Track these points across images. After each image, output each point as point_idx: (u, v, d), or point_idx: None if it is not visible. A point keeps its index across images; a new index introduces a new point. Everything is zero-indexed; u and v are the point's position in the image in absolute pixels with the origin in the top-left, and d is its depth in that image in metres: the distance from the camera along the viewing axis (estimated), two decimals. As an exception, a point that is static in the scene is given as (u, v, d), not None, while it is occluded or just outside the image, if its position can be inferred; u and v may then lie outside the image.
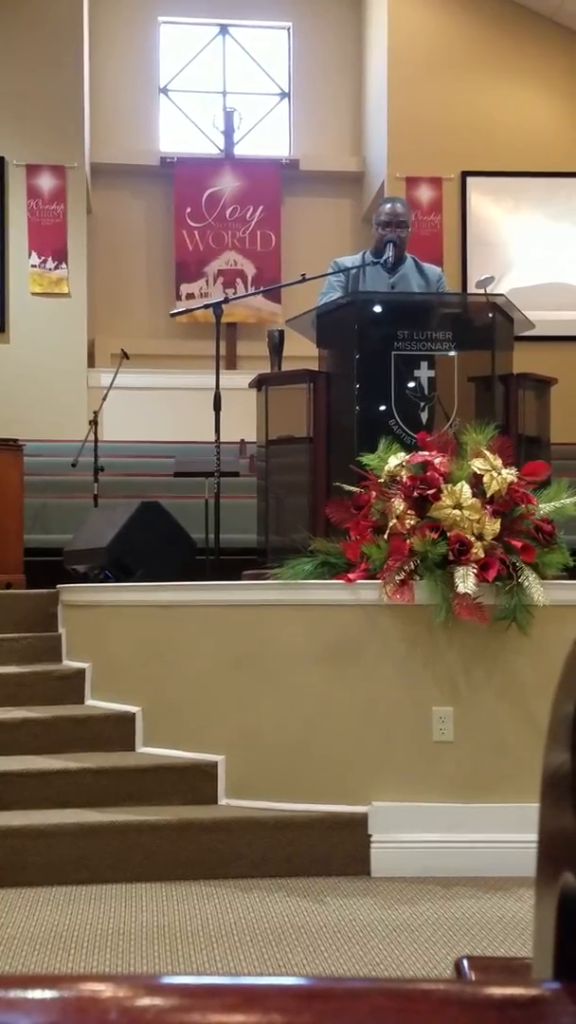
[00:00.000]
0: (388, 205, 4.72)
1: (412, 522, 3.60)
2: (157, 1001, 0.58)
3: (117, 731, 4.07)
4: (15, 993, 0.58)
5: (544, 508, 3.73)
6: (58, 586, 4.83)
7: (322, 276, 4.71)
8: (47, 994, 0.58)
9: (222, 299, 4.94)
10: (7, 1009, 0.56)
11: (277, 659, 3.77)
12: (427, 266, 4.79)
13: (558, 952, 0.69)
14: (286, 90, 10.97)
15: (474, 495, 3.61)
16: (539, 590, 3.53)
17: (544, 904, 0.73)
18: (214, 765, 3.81)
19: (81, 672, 4.39)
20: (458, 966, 0.85)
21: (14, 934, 3.02)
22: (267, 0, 10.69)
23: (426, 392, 4.23)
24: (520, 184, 10.04)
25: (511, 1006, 0.60)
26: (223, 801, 3.79)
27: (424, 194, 9.97)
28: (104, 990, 0.58)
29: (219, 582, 4.11)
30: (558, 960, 0.69)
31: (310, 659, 3.72)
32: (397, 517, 3.61)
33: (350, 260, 4.74)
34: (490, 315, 4.37)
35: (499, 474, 3.66)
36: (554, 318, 9.44)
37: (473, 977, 0.82)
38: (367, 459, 3.80)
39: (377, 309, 4.39)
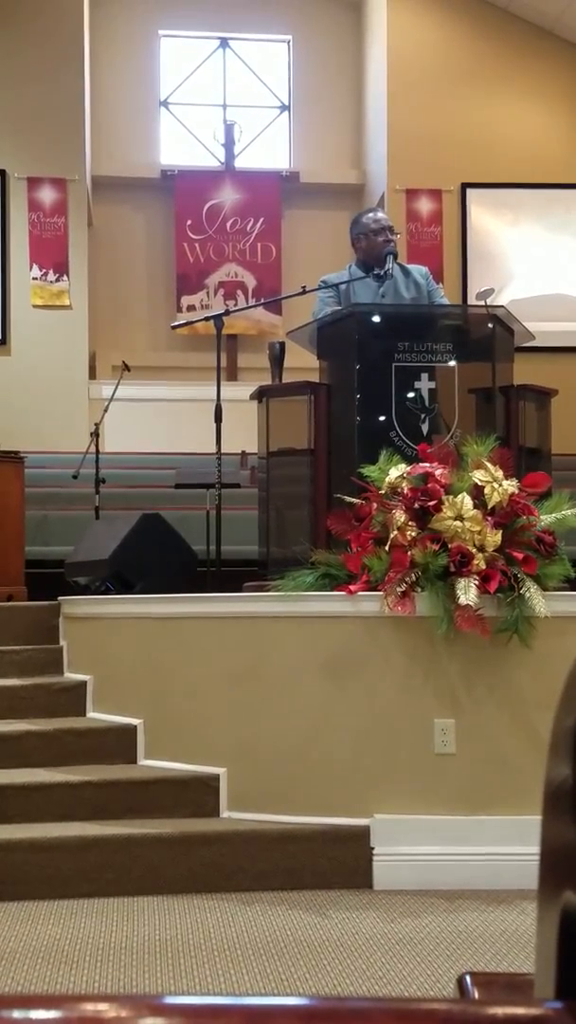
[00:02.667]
0: (371, 214, 4.76)
1: (413, 534, 3.60)
2: (159, 1022, 0.58)
3: (118, 744, 4.06)
4: (18, 1013, 0.58)
5: (545, 520, 3.73)
6: (59, 598, 4.83)
7: (316, 290, 4.71)
8: (50, 1014, 0.58)
9: (223, 311, 4.94)
10: (10, 1030, 0.56)
11: (279, 671, 3.76)
12: (411, 267, 4.79)
13: (560, 971, 0.68)
14: (286, 103, 11.01)
15: (475, 507, 3.61)
16: (541, 602, 3.53)
17: (546, 922, 0.72)
18: (215, 778, 3.80)
19: (82, 684, 4.38)
20: (461, 983, 0.84)
21: (16, 948, 3.02)
22: (267, 13, 10.74)
23: (426, 404, 4.23)
24: (519, 196, 10.07)
25: (513, 1026, 0.60)
26: (225, 814, 3.78)
27: (424, 206, 10.00)
28: (107, 1010, 0.58)
29: (220, 594, 4.10)
30: (560, 979, 0.68)
31: (312, 671, 3.72)
32: (398, 529, 3.61)
33: (337, 276, 4.74)
34: (490, 326, 4.37)
35: (500, 486, 3.66)
36: (554, 329, 9.45)
37: (476, 994, 0.81)
38: (368, 471, 3.80)
39: (377, 320, 4.40)
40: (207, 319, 4.93)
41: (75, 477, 6.44)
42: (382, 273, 4.57)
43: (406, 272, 4.69)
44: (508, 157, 9.97)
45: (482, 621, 3.50)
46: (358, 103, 10.83)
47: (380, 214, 4.79)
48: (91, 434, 6.65)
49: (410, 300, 4.61)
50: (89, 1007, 0.59)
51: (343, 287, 4.62)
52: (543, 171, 10.03)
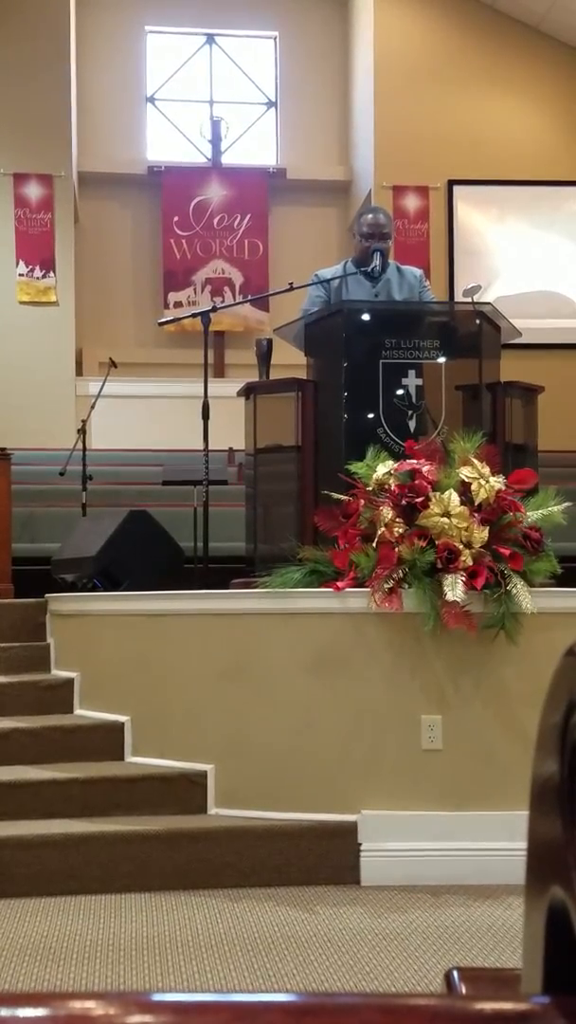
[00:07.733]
0: (371, 216, 4.69)
1: (400, 530, 3.60)
2: (147, 1019, 0.58)
3: (106, 741, 4.06)
4: (5, 1011, 0.58)
5: (532, 516, 3.74)
6: (46, 595, 4.82)
7: (306, 286, 4.71)
8: (37, 1012, 0.58)
9: (210, 308, 4.93)
10: (-3, 1028, 0.56)
11: (266, 668, 3.77)
12: (406, 268, 4.78)
13: (547, 965, 0.69)
14: (273, 99, 11.00)
15: (462, 503, 3.62)
16: (527, 598, 3.54)
17: (533, 917, 0.73)
18: (203, 774, 3.80)
19: (70, 682, 4.38)
20: (448, 977, 0.85)
21: (2, 945, 3.01)
22: (253, 9, 10.72)
23: (414, 400, 4.24)
24: (506, 193, 10.08)
25: (500, 1021, 0.60)
26: (212, 810, 3.78)
27: (411, 203, 10.00)
28: (94, 1008, 0.58)
29: (208, 591, 4.10)
30: (547, 973, 0.69)
31: (299, 668, 3.72)
32: (385, 525, 3.62)
33: (331, 271, 4.73)
34: (477, 323, 4.38)
35: (487, 482, 3.67)
36: (540, 326, 9.47)
37: (463, 989, 0.82)
38: (355, 467, 3.80)
39: (364, 318, 4.40)
40: (194, 316, 4.92)
41: (62, 474, 6.43)
42: (369, 271, 4.57)
43: (401, 273, 4.69)
44: (495, 154, 9.98)
45: (469, 617, 3.50)
46: (345, 99, 10.83)
47: (380, 217, 4.65)
48: (78, 431, 6.64)
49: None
50: (77, 1004, 0.59)
51: (336, 284, 4.61)
52: (530, 168, 10.05)
